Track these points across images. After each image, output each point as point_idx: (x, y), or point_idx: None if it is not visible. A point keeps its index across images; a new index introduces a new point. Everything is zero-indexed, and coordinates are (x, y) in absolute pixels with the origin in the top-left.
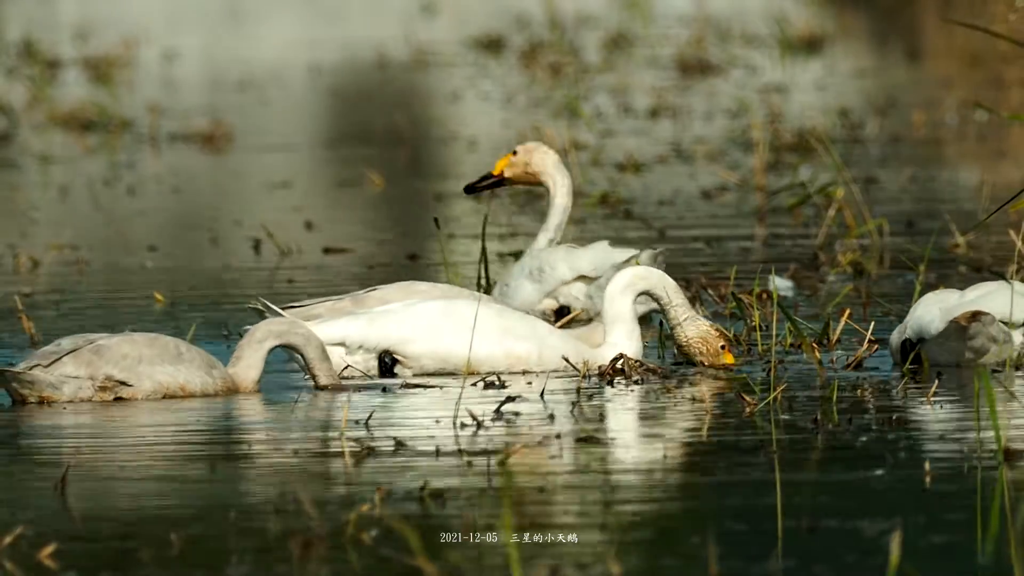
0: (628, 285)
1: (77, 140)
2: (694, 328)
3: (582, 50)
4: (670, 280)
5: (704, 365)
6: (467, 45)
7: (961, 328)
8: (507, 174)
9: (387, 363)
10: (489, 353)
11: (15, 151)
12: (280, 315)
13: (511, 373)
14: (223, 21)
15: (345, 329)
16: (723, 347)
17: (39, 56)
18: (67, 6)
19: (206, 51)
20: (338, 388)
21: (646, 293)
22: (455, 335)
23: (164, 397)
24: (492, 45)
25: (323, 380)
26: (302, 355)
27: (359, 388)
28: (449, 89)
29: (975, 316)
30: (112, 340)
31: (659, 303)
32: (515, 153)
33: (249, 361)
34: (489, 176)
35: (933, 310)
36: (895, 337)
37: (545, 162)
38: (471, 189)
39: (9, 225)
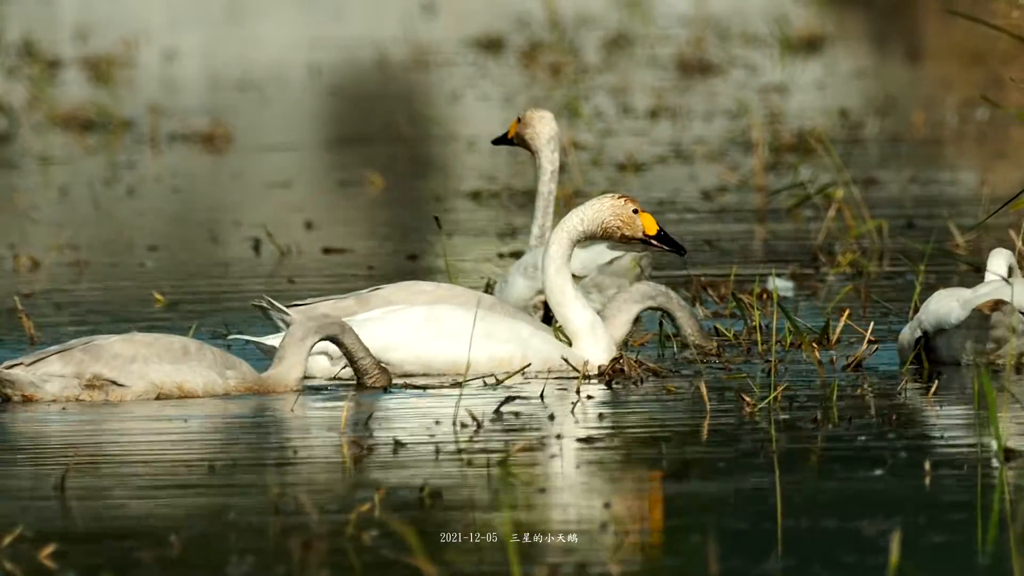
0: (558, 270)
1: (77, 140)
2: (598, 206)
3: (582, 50)
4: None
5: (632, 239)
6: (467, 45)
7: (984, 317)
8: (511, 134)
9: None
10: (472, 357)
11: (15, 151)
12: (285, 312)
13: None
14: (223, 21)
15: None
16: (635, 211)
17: (39, 56)
18: (67, 6)
19: (206, 51)
20: (381, 378)
21: (581, 240)
22: (437, 340)
23: (159, 397)
24: (492, 45)
25: (365, 370)
26: (342, 347)
27: (401, 383)
28: (449, 89)
29: (997, 305)
30: (109, 340)
31: (587, 237)
32: (519, 121)
33: (292, 360)
34: (504, 137)
35: (951, 301)
36: (907, 335)
37: (540, 135)
38: (496, 142)
39: (9, 225)
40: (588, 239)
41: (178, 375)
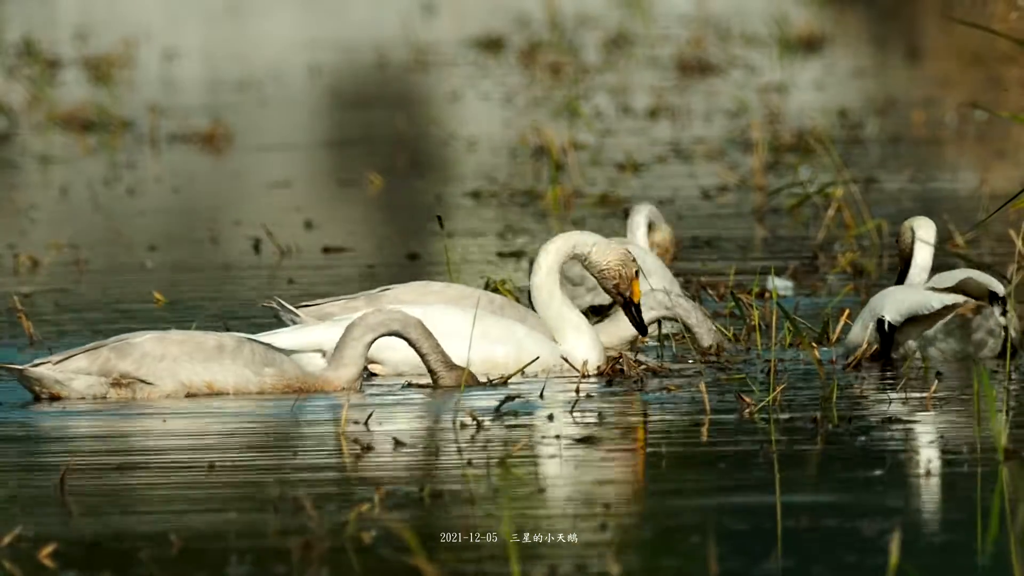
0: (549, 270)
1: (77, 140)
2: (613, 249)
3: (582, 50)
4: (584, 237)
5: (617, 294)
6: (467, 45)
7: (966, 321)
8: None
9: (367, 374)
10: (468, 358)
11: (15, 151)
12: (295, 314)
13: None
14: (223, 20)
15: (323, 336)
16: (637, 273)
17: (39, 56)
18: (67, 6)
19: (206, 50)
20: (452, 374)
21: (574, 257)
22: None
23: (188, 395)
24: (492, 45)
25: (435, 364)
26: (409, 342)
27: (479, 380)
28: (449, 89)
29: (979, 309)
30: (140, 337)
31: (583, 261)
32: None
33: (346, 359)
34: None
35: (917, 292)
36: (859, 333)
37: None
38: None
39: (9, 225)
40: (581, 264)
41: (207, 373)
